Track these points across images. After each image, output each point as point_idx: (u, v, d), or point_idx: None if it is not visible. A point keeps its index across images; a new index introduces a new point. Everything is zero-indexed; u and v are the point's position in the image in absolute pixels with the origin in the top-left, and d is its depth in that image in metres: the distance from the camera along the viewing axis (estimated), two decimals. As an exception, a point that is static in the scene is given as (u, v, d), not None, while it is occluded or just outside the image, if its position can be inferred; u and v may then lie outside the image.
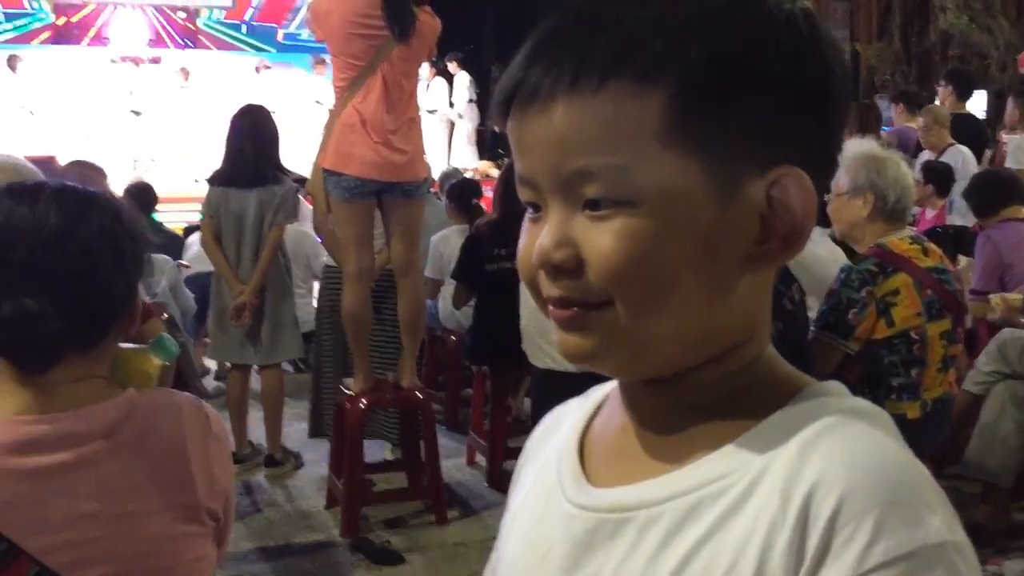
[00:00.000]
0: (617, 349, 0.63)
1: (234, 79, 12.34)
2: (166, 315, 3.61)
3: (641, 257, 0.60)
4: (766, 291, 0.66)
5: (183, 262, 5.90)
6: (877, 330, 2.82)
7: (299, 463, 4.66)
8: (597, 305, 0.62)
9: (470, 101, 12.48)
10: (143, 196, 5.76)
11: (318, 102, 11.04)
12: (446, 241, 5.03)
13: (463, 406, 5.28)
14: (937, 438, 3.05)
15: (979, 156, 6.09)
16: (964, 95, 6.76)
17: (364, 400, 3.84)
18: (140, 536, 1.24)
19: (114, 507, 1.23)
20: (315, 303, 4.93)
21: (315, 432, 4.57)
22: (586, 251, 0.61)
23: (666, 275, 0.61)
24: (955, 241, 4.68)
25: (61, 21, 13.14)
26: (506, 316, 3.61)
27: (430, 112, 11.62)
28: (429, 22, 3.67)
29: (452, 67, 12.45)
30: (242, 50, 13.93)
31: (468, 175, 8.49)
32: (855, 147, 2.96)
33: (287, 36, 14.09)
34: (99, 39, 13.08)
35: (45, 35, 13.09)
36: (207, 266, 5.01)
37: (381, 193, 3.67)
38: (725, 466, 0.62)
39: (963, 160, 5.82)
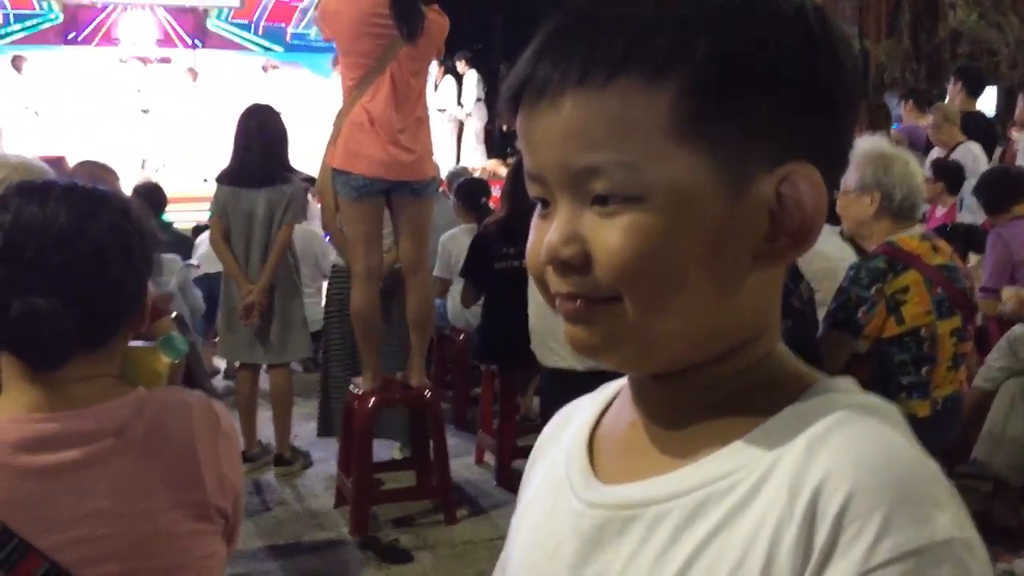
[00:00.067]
0: (624, 344, 0.63)
1: (243, 79, 12.35)
2: (175, 314, 3.61)
3: (649, 254, 0.60)
4: (776, 288, 0.66)
5: (192, 262, 5.92)
6: (887, 328, 2.81)
7: (308, 462, 4.67)
8: (605, 299, 0.62)
9: (478, 100, 12.48)
10: (152, 197, 5.77)
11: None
12: (454, 240, 5.04)
13: (472, 405, 5.29)
14: (947, 436, 3.03)
15: (989, 153, 6.06)
16: (974, 92, 6.74)
17: (373, 399, 3.84)
18: (150, 533, 1.24)
19: (124, 505, 1.23)
20: (324, 302, 4.94)
21: (324, 431, 4.58)
22: (594, 247, 0.61)
23: (674, 272, 0.60)
24: (966, 239, 4.66)
25: (71, 21, 13.17)
26: (515, 315, 3.62)
27: (440, 111, 11.62)
28: (438, 21, 3.68)
29: (461, 66, 12.45)
30: (251, 50, 13.95)
31: (476, 174, 8.50)
32: (864, 145, 2.95)
33: (295, 36, 14.10)
34: (108, 39, 13.12)
35: (54, 35, 13.12)
36: (216, 266, 5.03)
37: (390, 192, 3.67)
38: (734, 462, 0.62)
39: (973, 157, 5.80)
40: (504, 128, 12.77)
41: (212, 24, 13.82)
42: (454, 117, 12.54)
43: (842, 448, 0.59)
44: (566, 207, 0.62)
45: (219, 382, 6.10)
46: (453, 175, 7.01)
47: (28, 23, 13.01)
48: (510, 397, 4.50)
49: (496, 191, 5.91)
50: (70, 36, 13.16)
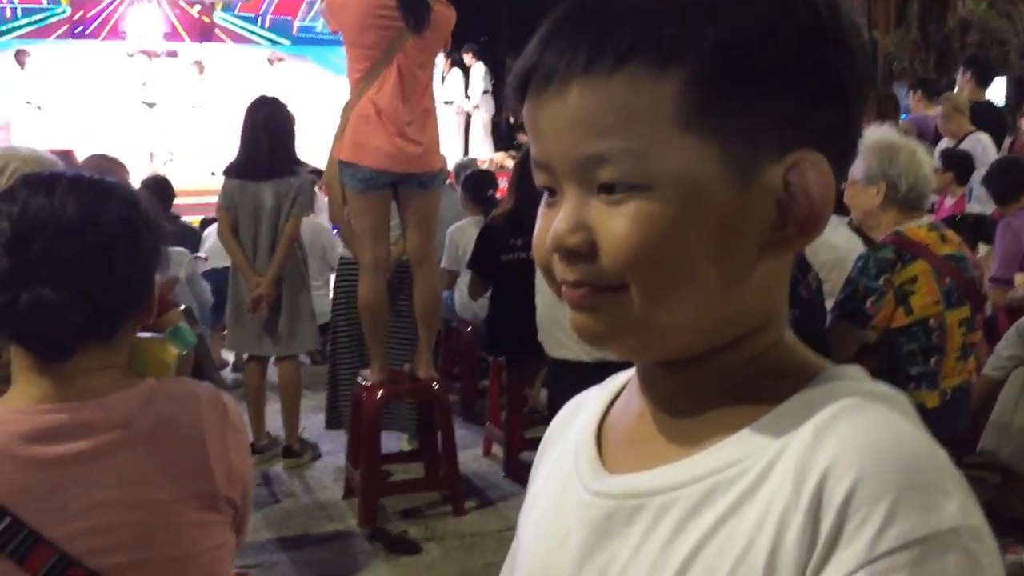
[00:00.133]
0: (629, 332, 0.63)
1: (249, 72, 12.36)
2: (184, 306, 3.63)
3: (656, 242, 0.60)
4: (783, 277, 0.66)
5: (200, 254, 5.93)
6: (895, 318, 2.80)
7: (317, 454, 4.69)
8: (611, 287, 0.62)
9: (485, 92, 12.47)
10: (160, 190, 5.78)
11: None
12: (462, 232, 5.04)
13: (479, 397, 5.29)
14: (956, 427, 3.03)
15: (999, 143, 6.04)
16: (983, 82, 6.71)
17: (381, 391, 3.85)
18: (159, 524, 1.25)
19: (133, 495, 1.23)
20: (332, 295, 4.95)
21: (332, 424, 4.59)
22: (600, 236, 0.61)
23: (681, 261, 0.60)
24: (975, 229, 4.65)
25: (78, 15, 13.19)
26: (522, 306, 3.62)
27: (447, 103, 11.61)
28: (444, 13, 3.67)
29: (468, 58, 12.44)
30: (257, 43, 13.95)
31: (484, 166, 8.49)
32: (871, 135, 2.94)
33: (302, 28, 14.10)
34: (115, 33, 13.13)
35: (62, 29, 13.14)
36: (223, 261, 5.04)
37: (397, 184, 3.67)
38: (740, 451, 0.62)
39: (983, 148, 5.78)
40: (511, 120, 12.77)
41: (219, 17, 13.82)
42: (461, 109, 12.54)
43: (849, 435, 0.58)
44: (573, 195, 0.62)
45: (228, 374, 6.12)
46: (460, 167, 7.00)
47: (35, 17, 13.03)
48: (518, 389, 4.51)
49: (503, 183, 5.91)
50: (77, 30, 13.17)
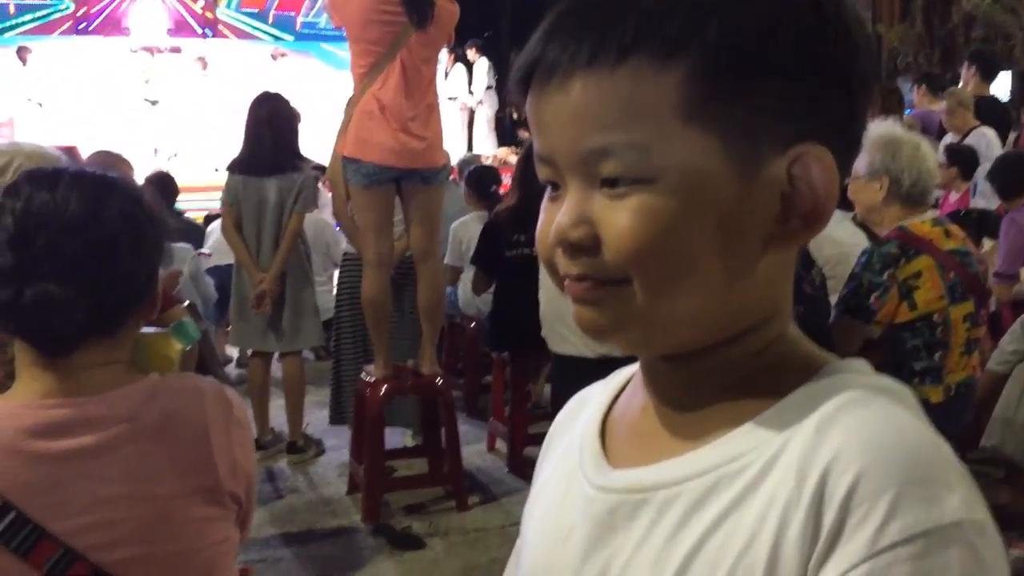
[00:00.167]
0: (632, 326, 0.63)
1: (253, 68, 12.36)
2: (188, 302, 3.63)
3: (659, 236, 0.59)
4: (787, 270, 0.66)
5: (204, 251, 5.94)
6: (899, 313, 2.80)
7: (320, 450, 4.69)
8: (614, 281, 0.62)
9: (488, 88, 12.45)
10: (164, 186, 5.79)
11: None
12: (465, 228, 5.03)
13: (483, 392, 5.29)
14: (960, 422, 3.02)
15: (1003, 138, 6.02)
16: (988, 77, 6.69)
17: (384, 387, 3.85)
18: (163, 519, 1.25)
19: (137, 490, 1.24)
20: (335, 291, 4.95)
21: (335, 419, 4.59)
22: (603, 229, 0.61)
23: (684, 255, 0.60)
24: (979, 224, 4.64)
25: (81, 11, 13.19)
26: (526, 302, 3.61)
27: (450, 99, 11.60)
28: (447, 8, 3.67)
29: (471, 54, 12.42)
30: (261, 39, 13.95)
31: (487, 162, 8.49)
32: (875, 129, 2.93)
33: (305, 24, 14.10)
34: (119, 29, 13.13)
35: (65, 25, 13.15)
36: (226, 259, 5.04)
37: (400, 180, 3.67)
38: (744, 445, 0.61)
39: (987, 142, 5.76)
40: (515, 116, 12.76)
41: (222, 13, 13.82)
42: (465, 105, 12.53)
43: (852, 429, 0.58)
44: (576, 189, 0.62)
45: (231, 370, 6.13)
46: (464, 163, 7.00)
47: (39, 13, 13.04)
48: (521, 384, 4.51)
49: (507, 179, 5.90)
50: (81, 26, 13.18)
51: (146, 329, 1.41)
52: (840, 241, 3.39)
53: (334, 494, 4.19)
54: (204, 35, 13.53)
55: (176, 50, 12.97)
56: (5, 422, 1.22)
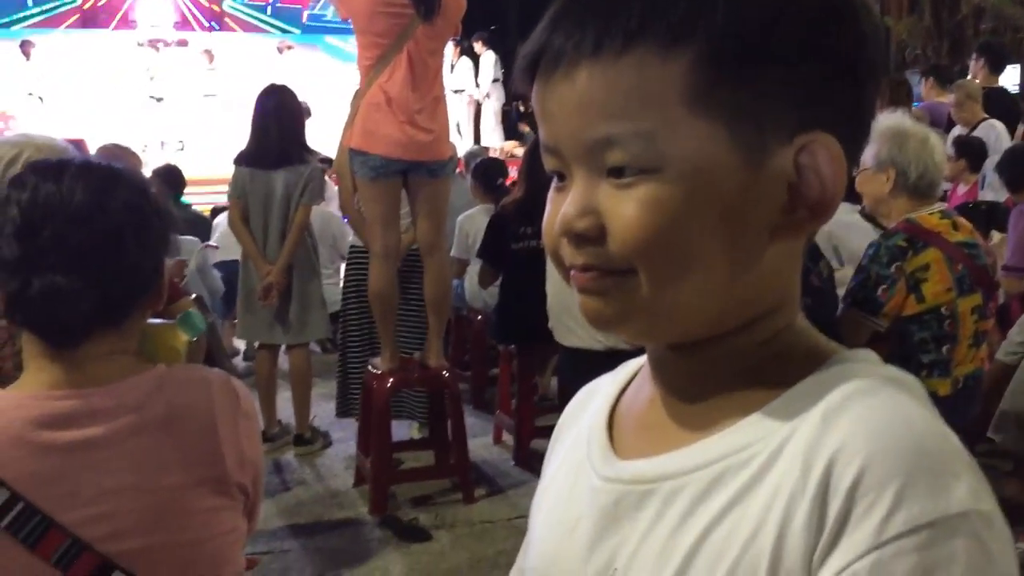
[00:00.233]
0: (637, 317, 0.63)
1: (259, 61, 12.36)
2: (195, 295, 3.64)
3: (664, 226, 0.59)
4: (795, 260, 0.65)
5: (211, 243, 5.95)
6: (907, 306, 2.79)
7: (327, 442, 4.70)
8: (619, 271, 0.61)
9: (495, 80, 12.44)
10: (171, 179, 5.80)
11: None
12: (471, 220, 5.03)
13: (490, 385, 5.30)
14: (968, 415, 3.02)
15: (1012, 130, 6.00)
16: (997, 69, 6.66)
17: (391, 379, 3.86)
18: (171, 509, 1.25)
19: (144, 481, 1.24)
20: (342, 283, 4.96)
21: (342, 412, 4.60)
22: (609, 219, 0.60)
23: (690, 246, 0.60)
24: (988, 216, 4.62)
25: (88, 5, 13.20)
26: (532, 295, 3.61)
27: (456, 92, 11.59)
28: (454, 0, 3.66)
29: (478, 47, 12.41)
30: (267, 31, 13.95)
31: (494, 155, 8.48)
32: (883, 121, 2.92)
33: (311, 17, 14.09)
34: (125, 22, 13.14)
35: (72, 19, 13.15)
36: (232, 254, 5.05)
37: (407, 172, 3.67)
38: (750, 435, 0.61)
39: (996, 135, 5.74)
40: (522, 109, 12.74)
41: (228, 6, 13.82)
42: (471, 98, 12.52)
43: (858, 418, 0.58)
44: (582, 179, 0.62)
45: (239, 363, 6.14)
46: (470, 155, 6.99)
47: (46, 6, 13.05)
48: (528, 377, 4.51)
49: (513, 172, 5.90)
50: (88, 20, 13.18)
51: (152, 320, 1.41)
52: (861, 228, 3.37)
53: (341, 486, 4.20)
54: (210, 28, 13.53)
55: (183, 43, 12.97)
56: (12, 413, 1.22)
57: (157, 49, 12.65)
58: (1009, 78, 8.23)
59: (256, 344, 4.88)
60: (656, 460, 0.65)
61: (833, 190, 0.61)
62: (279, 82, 4.76)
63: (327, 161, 5.29)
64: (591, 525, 0.67)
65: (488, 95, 12.54)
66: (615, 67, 0.59)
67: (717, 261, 0.60)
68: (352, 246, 4.58)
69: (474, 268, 4.88)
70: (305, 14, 14.14)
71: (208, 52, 12.45)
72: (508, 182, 5.53)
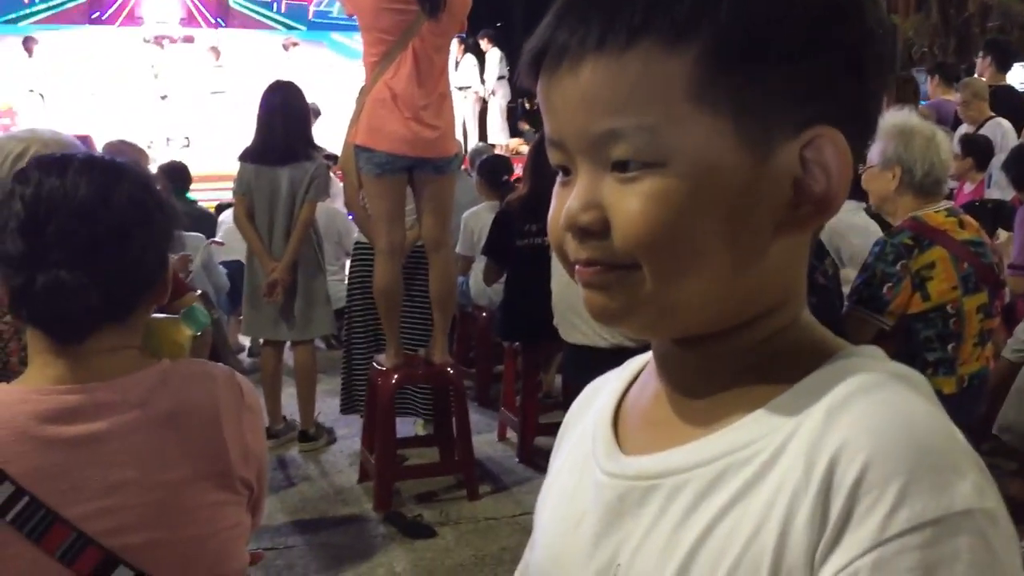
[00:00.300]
0: (641, 311, 0.63)
1: (265, 57, 12.37)
2: (200, 291, 3.64)
3: (669, 221, 0.59)
4: (800, 256, 0.65)
5: (216, 239, 5.96)
6: (912, 304, 2.78)
7: (332, 438, 4.71)
8: (623, 266, 0.61)
9: (500, 78, 12.43)
10: (177, 175, 5.81)
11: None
12: (477, 217, 5.03)
13: (494, 382, 5.30)
14: (973, 414, 3.01)
15: (1019, 128, 5.98)
16: (1004, 67, 6.65)
17: (396, 376, 3.86)
18: (175, 504, 1.25)
19: (149, 475, 1.24)
20: (347, 280, 4.96)
21: (347, 408, 4.61)
22: (613, 214, 0.60)
23: (694, 241, 0.59)
24: (994, 215, 4.61)
25: (95, 0, 13.20)
26: (537, 292, 3.61)
27: (461, 89, 11.58)
28: (459, -4, 3.66)
29: (484, 43, 12.40)
30: (273, 28, 13.96)
31: (499, 151, 8.48)
32: (889, 118, 2.91)
33: (317, 14, 14.09)
34: (131, 19, 13.15)
35: (78, 15, 13.16)
36: (236, 254, 5.05)
37: (412, 169, 3.67)
38: (754, 432, 0.61)
39: (1002, 133, 5.73)
40: (527, 107, 12.73)
41: (234, 2, 13.82)
42: (477, 95, 12.52)
43: (862, 415, 0.57)
44: (586, 173, 0.62)
45: (244, 359, 6.15)
46: (476, 152, 6.99)
47: (52, 2, 13.06)
48: (532, 374, 4.51)
49: (518, 169, 5.90)
50: (94, 15, 13.19)
51: (156, 315, 1.41)
52: (868, 230, 3.37)
53: (345, 482, 4.20)
54: (216, 24, 13.54)
55: (189, 40, 12.98)
56: (17, 407, 1.22)
57: (162, 46, 12.65)
58: (1016, 76, 8.19)
59: (261, 340, 4.89)
60: (660, 456, 0.65)
61: (838, 185, 0.61)
62: (285, 79, 4.76)
63: (332, 158, 5.29)
64: (595, 520, 0.67)
65: (494, 92, 12.54)
66: (619, 62, 0.59)
67: (721, 256, 0.60)
68: (357, 243, 4.58)
69: (479, 265, 4.88)
70: (311, 11, 14.13)
71: (215, 49, 12.46)
72: (513, 179, 5.53)
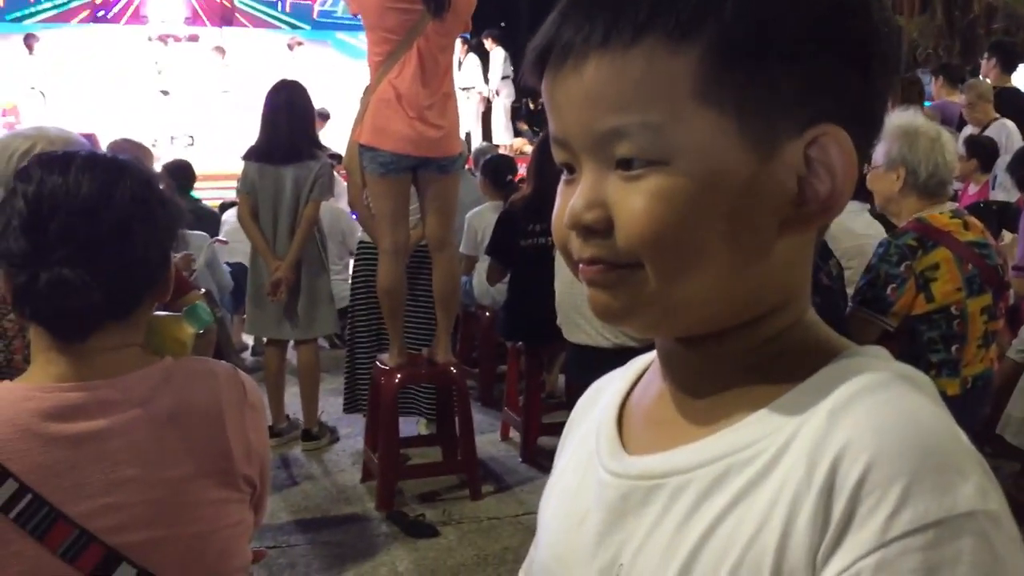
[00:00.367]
0: (645, 310, 0.62)
1: (269, 57, 12.38)
2: (204, 290, 3.65)
3: (672, 220, 0.59)
4: (805, 254, 0.65)
5: (220, 238, 5.96)
6: (916, 305, 2.78)
7: (335, 437, 4.71)
8: (626, 265, 0.61)
9: (504, 78, 12.43)
10: (181, 174, 5.81)
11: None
12: (480, 217, 5.03)
13: (497, 382, 5.30)
14: (977, 415, 3.00)
15: (1023, 130, 5.97)
16: (1008, 68, 6.63)
17: (399, 375, 3.86)
18: (178, 501, 1.25)
19: (152, 473, 1.24)
20: (350, 279, 4.96)
21: (349, 408, 4.61)
22: (617, 213, 0.60)
23: (697, 240, 0.59)
24: (999, 216, 4.60)
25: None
26: (540, 292, 3.61)
27: (464, 90, 11.58)
28: (464, -5, 3.66)
29: (488, 43, 12.40)
30: (277, 27, 13.97)
31: (502, 151, 8.47)
32: (894, 119, 2.91)
33: (322, 13, 14.11)
34: (136, 17, 13.16)
35: (84, 14, 13.18)
36: (238, 257, 5.05)
37: (416, 168, 3.67)
38: (757, 431, 0.61)
39: (1007, 134, 5.72)
40: (531, 107, 12.73)
41: (239, 1, 13.84)
42: (481, 95, 12.51)
43: (865, 415, 0.57)
44: (590, 172, 0.62)
45: (247, 358, 6.16)
46: (480, 152, 6.99)
47: (57, 0, 13.07)
48: (535, 374, 4.51)
49: (522, 169, 5.89)
50: (99, 14, 13.21)
51: (158, 313, 1.41)
52: (857, 233, 3.37)
53: (348, 482, 4.20)
54: (221, 23, 13.55)
55: (194, 39, 12.99)
56: (20, 405, 1.22)
57: (166, 43, 12.66)
58: (1021, 77, 8.18)
59: (264, 339, 4.89)
60: (663, 456, 0.65)
61: (843, 184, 0.61)
62: (289, 78, 4.76)
63: (336, 157, 5.29)
64: (598, 520, 0.67)
65: (498, 92, 12.54)
66: (624, 59, 0.59)
67: (724, 255, 0.60)
68: (361, 242, 4.58)
69: (483, 265, 4.88)
70: (316, 10, 14.15)
71: (220, 48, 12.47)
72: (517, 179, 5.52)
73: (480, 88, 12.46)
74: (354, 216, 5.04)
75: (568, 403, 4.31)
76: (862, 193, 2.97)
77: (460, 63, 11.84)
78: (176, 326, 1.48)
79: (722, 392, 0.64)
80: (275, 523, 3.69)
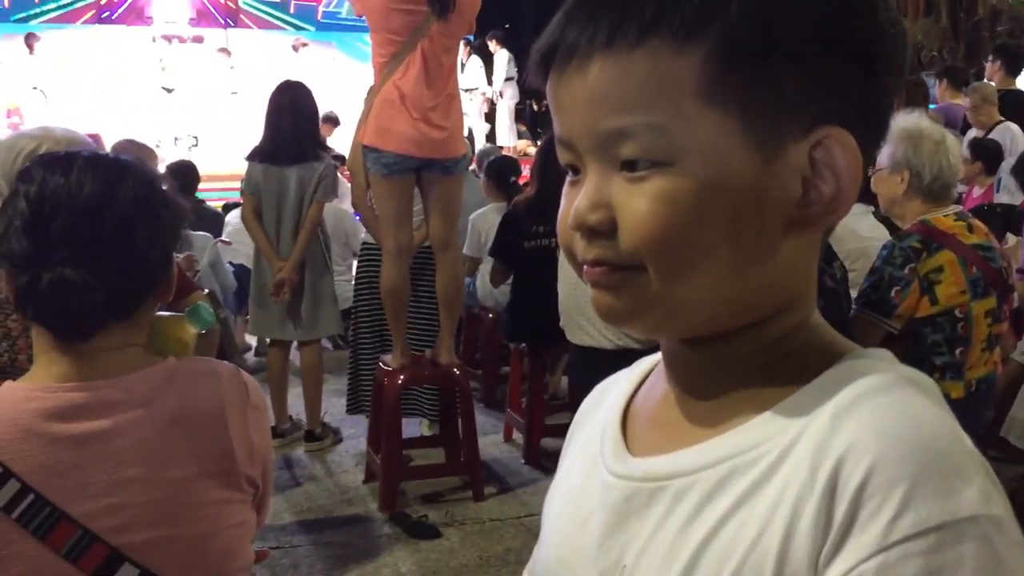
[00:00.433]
0: (649, 312, 0.62)
1: (274, 58, 12.39)
2: (207, 290, 3.65)
3: (676, 222, 0.59)
4: (810, 256, 0.64)
5: (224, 238, 5.97)
6: (920, 308, 2.77)
7: (338, 438, 4.71)
8: (630, 266, 0.61)
9: (508, 79, 12.43)
10: (185, 175, 5.82)
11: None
12: (484, 219, 5.03)
13: (500, 383, 5.30)
14: (981, 418, 3.00)
15: (1028, 133, 5.96)
16: (1013, 71, 6.62)
17: (402, 376, 3.86)
18: (180, 502, 1.25)
19: (154, 473, 1.24)
20: (354, 280, 4.97)
21: (352, 408, 4.61)
22: (621, 214, 0.60)
23: (701, 240, 0.59)
24: (1003, 219, 4.59)
25: (104, 0, 13.24)
26: (544, 293, 3.61)
27: (467, 91, 11.58)
28: (468, -3, 3.66)
29: (492, 45, 12.41)
30: (282, 28, 13.99)
31: (506, 153, 8.48)
32: (899, 122, 2.90)
33: (327, 14, 14.12)
34: (141, 18, 13.18)
35: (89, 14, 13.20)
36: (241, 259, 5.05)
37: (420, 169, 3.67)
38: (760, 434, 0.61)
39: (1012, 137, 5.71)
40: (535, 108, 12.73)
41: (244, 3, 13.85)
42: (484, 97, 12.52)
43: (868, 418, 0.57)
44: (595, 173, 0.62)
45: (250, 359, 6.16)
46: (483, 153, 6.99)
47: (63, 1, 13.09)
48: (538, 376, 4.51)
49: (526, 170, 5.90)
50: (104, 15, 13.23)
51: (161, 313, 1.41)
52: (861, 235, 3.36)
53: (351, 482, 4.20)
54: (226, 25, 13.57)
55: (199, 39, 13.01)
56: (23, 405, 1.22)
57: (170, 42, 12.67)
58: (1026, 80, 8.17)
59: (268, 340, 4.90)
60: (667, 458, 0.65)
61: (848, 186, 0.60)
62: (294, 79, 4.76)
63: (340, 158, 5.29)
64: (602, 521, 0.67)
65: (502, 94, 12.54)
66: (628, 60, 0.59)
67: (728, 256, 0.60)
68: (364, 243, 4.58)
69: (486, 266, 4.88)
70: (320, 11, 14.17)
71: (225, 49, 12.48)
72: (521, 180, 5.53)
73: (483, 89, 12.46)
74: (358, 217, 5.04)
75: (571, 405, 4.30)
76: (866, 195, 2.97)
77: (463, 65, 11.84)
78: (179, 326, 1.48)
79: (727, 394, 0.64)
80: (278, 523, 3.70)
